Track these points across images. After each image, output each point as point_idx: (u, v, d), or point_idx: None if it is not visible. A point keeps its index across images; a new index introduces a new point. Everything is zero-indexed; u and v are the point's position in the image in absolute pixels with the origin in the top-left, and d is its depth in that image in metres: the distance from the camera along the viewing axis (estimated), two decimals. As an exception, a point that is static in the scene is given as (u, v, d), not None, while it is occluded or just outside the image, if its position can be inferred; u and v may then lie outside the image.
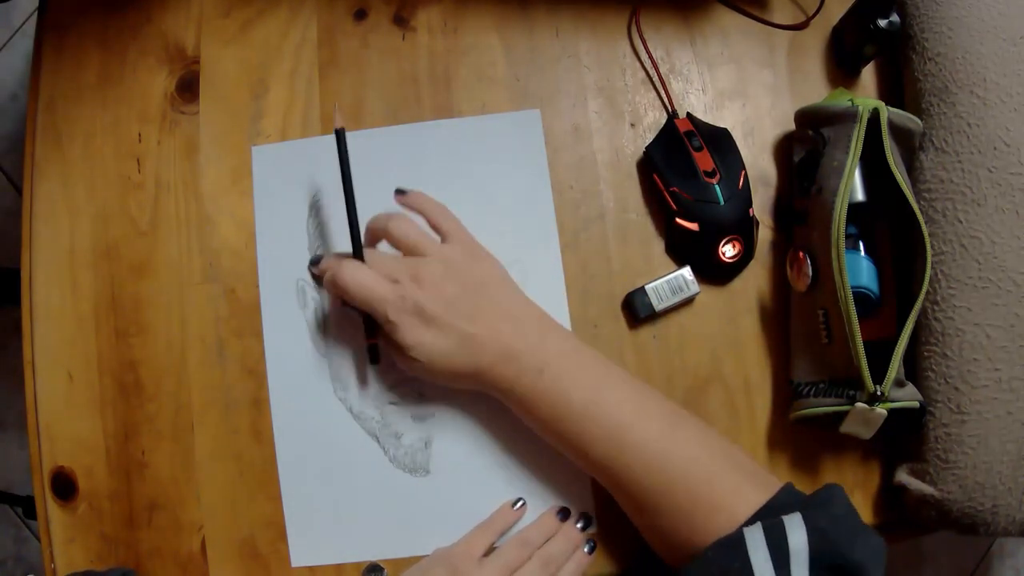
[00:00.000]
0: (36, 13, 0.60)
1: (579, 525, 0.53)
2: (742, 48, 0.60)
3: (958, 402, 0.50)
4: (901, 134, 0.53)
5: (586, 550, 0.52)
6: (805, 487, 0.54)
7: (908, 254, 0.52)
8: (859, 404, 0.48)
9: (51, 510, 0.54)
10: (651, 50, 0.59)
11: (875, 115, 0.51)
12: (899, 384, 0.50)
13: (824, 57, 0.60)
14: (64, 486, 0.54)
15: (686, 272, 0.55)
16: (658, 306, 0.55)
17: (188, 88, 0.58)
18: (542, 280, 0.55)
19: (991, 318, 0.50)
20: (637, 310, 0.55)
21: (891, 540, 0.56)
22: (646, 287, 0.55)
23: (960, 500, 0.49)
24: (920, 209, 0.51)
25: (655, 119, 0.59)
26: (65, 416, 0.55)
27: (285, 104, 0.58)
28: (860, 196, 0.51)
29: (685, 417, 0.48)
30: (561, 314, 0.55)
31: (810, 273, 0.51)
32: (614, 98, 0.59)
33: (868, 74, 0.60)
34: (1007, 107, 0.52)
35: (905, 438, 0.53)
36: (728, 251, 0.55)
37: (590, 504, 0.53)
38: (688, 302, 0.56)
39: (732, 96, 0.59)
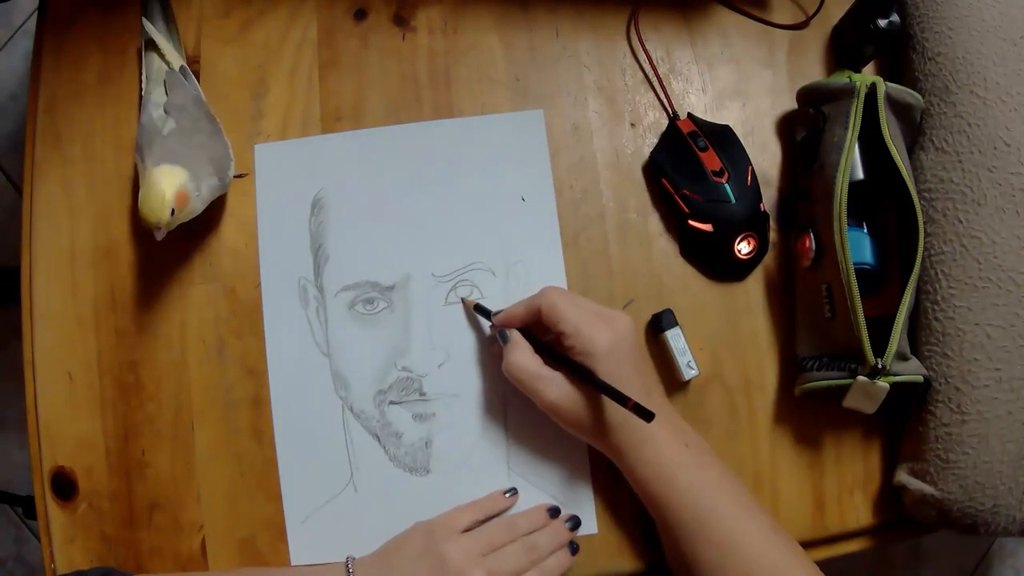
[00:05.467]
0: (36, 13, 0.60)
1: (567, 525, 0.52)
2: (742, 48, 0.60)
3: (958, 402, 0.50)
4: (901, 109, 0.53)
5: (569, 551, 0.52)
6: (806, 488, 0.54)
7: (911, 234, 0.52)
8: (861, 377, 0.48)
9: (51, 510, 0.54)
10: (651, 51, 0.59)
11: (873, 90, 0.51)
12: (903, 358, 0.50)
13: (824, 57, 0.60)
14: (64, 486, 0.54)
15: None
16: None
17: (188, 88, 0.58)
18: (544, 280, 0.55)
19: (991, 318, 0.50)
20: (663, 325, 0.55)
21: (891, 540, 0.56)
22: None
23: (960, 500, 0.49)
24: (920, 207, 0.51)
25: (655, 119, 0.59)
26: (65, 416, 0.54)
27: (285, 104, 0.58)
28: (861, 174, 0.51)
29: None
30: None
31: (813, 248, 0.51)
32: (614, 98, 0.59)
33: (868, 74, 0.60)
34: (1007, 107, 0.52)
35: (905, 438, 0.53)
36: (744, 248, 0.55)
37: (590, 507, 0.53)
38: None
39: (732, 96, 0.59)
